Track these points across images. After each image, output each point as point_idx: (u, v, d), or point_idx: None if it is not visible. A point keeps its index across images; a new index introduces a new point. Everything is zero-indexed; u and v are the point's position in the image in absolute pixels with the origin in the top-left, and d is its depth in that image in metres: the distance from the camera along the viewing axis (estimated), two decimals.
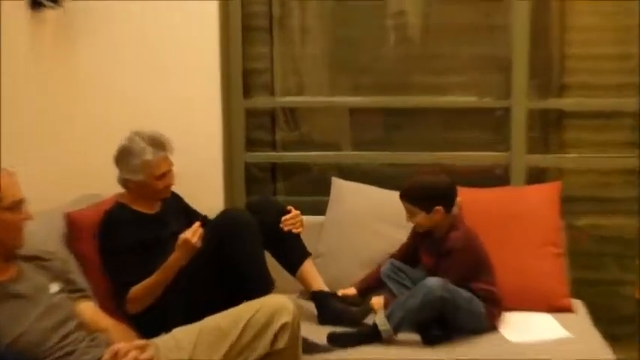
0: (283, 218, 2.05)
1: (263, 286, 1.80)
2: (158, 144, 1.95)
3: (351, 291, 2.13)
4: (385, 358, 1.85)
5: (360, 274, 2.20)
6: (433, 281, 1.79)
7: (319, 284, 2.02)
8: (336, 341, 1.77)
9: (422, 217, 1.84)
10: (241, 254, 1.84)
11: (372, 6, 2.61)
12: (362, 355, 1.83)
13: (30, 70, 2.17)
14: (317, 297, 1.97)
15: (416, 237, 2.07)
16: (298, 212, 2.09)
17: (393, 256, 2.14)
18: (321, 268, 2.15)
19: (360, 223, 2.27)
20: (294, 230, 2.06)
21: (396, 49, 2.66)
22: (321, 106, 2.76)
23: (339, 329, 1.91)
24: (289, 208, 2.10)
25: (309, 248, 2.15)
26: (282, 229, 2.07)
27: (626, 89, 2.49)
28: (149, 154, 1.92)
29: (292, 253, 2.07)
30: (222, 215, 1.90)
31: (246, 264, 1.84)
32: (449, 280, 1.78)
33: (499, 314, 2.00)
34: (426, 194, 1.86)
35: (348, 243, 2.24)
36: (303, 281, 2.04)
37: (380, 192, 2.33)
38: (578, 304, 2.15)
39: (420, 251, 2.07)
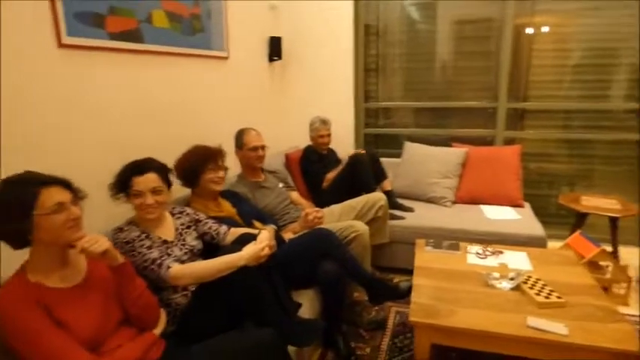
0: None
1: (372, 188, 3.18)
2: (323, 120, 3.48)
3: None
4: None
5: (419, 184, 3.49)
6: None
7: (388, 188, 3.42)
8: None
9: None
10: (362, 172, 3.16)
11: (427, 54, 3.87)
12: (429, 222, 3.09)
13: (268, 92, 3.75)
14: (387, 194, 3.25)
15: None
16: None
17: None
18: (397, 181, 3.61)
19: (418, 161, 3.66)
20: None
21: (438, 77, 3.86)
22: (400, 107, 4.08)
23: None
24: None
25: (393, 174, 3.52)
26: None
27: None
28: (317, 124, 3.46)
29: (379, 175, 3.43)
30: (353, 156, 3.30)
31: (365, 177, 3.15)
32: None
33: None
34: None
35: (412, 170, 3.66)
36: (382, 188, 3.41)
37: (428, 147, 3.69)
38: (527, 205, 3.41)
39: None
